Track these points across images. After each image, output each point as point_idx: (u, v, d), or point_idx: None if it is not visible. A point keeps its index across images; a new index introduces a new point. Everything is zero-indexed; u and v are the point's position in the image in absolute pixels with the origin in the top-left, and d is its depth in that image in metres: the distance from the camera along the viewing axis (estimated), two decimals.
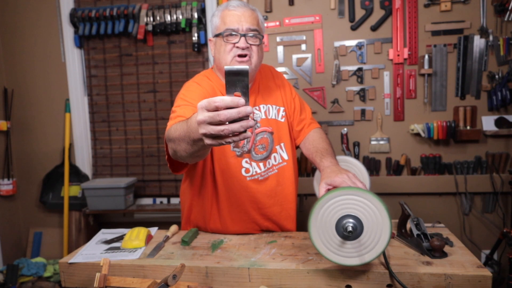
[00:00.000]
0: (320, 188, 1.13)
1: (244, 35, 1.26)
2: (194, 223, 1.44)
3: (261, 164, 1.35)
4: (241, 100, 0.72)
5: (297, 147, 1.49)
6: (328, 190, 1.09)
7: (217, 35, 1.30)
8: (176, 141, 1.00)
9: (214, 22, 1.31)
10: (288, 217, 1.41)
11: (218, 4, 2.43)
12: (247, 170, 1.33)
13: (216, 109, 0.74)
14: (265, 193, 1.35)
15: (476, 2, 2.22)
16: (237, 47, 1.26)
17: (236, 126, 0.74)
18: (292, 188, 1.41)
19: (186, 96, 1.27)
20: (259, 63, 1.33)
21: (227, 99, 0.72)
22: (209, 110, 0.75)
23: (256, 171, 1.34)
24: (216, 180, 1.34)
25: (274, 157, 1.37)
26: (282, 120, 1.41)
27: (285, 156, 1.39)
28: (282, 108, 1.42)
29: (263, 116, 1.37)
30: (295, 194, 1.43)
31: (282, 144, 1.39)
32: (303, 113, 1.48)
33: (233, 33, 1.26)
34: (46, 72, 2.70)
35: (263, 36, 1.31)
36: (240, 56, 1.26)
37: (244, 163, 1.33)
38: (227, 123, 0.74)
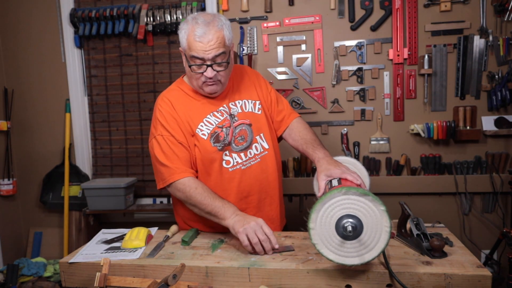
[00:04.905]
0: (319, 180, 1.19)
1: (211, 65, 1.29)
2: (183, 221, 1.48)
3: (242, 154, 1.40)
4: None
5: (281, 136, 1.55)
6: (327, 180, 1.17)
7: (185, 54, 1.33)
8: (193, 204, 1.31)
9: (181, 41, 1.32)
10: (272, 203, 1.47)
11: (218, 4, 2.43)
12: (227, 162, 1.39)
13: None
14: (249, 181, 1.41)
15: (476, 2, 2.22)
16: (205, 75, 1.31)
17: (259, 248, 1.16)
18: (275, 175, 1.47)
19: (165, 125, 1.36)
20: (227, 78, 1.39)
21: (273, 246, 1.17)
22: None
23: (237, 161, 1.40)
24: (202, 178, 1.39)
25: (256, 147, 1.43)
26: (259, 112, 1.47)
27: (266, 145, 1.45)
28: (257, 102, 1.48)
29: (240, 110, 1.44)
30: (279, 181, 1.50)
31: (261, 135, 1.45)
32: (280, 104, 1.54)
33: (201, 63, 1.29)
34: (46, 72, 2.70)
35: (230, 54, 1.34)
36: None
37: (224, 155, 1.39)
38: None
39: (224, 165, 1.38)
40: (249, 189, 1.41)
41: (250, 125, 1.43)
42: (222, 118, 1.40)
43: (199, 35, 1.26)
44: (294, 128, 1.50)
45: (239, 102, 1.45)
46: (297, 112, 1.65)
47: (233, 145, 1.39)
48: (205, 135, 1.37)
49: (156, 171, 1.39)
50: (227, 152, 1.38)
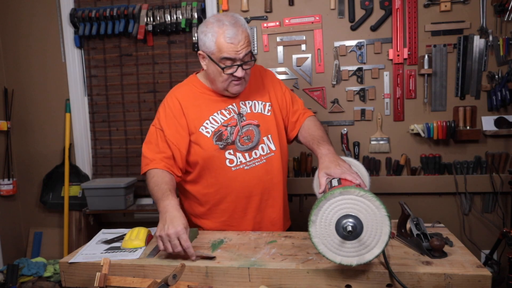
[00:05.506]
0: (320, 177, 1.20)
1: (241, 65, 1.31)
2: (188, 219, 1.49)
3: (246, 155, 1.40)
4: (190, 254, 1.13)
5: (296, 137, 1.55)
6: (328, 179, 1.17)
7: (210, 57, 1.33)
8: (149, 190, 1.34)
9: (207, 44, 1.31)
10: (275, 205, 1.47)
11: (218, 4, 2.43)
12: (231, 161, 1.39)
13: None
14: (252, 182, 1.41)
15: (476, 2, 2.22)
16: (234, 75, 1.32)
17: (170, 251, 1.14)
18: (280, 177, 1.47)
19: (161, 120, 1.42)
20: (249, 76, 1.41)
21: (187, 251, 1.13)
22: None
23: (240, 161, 1.40)
24: (203, 175, 1.42)
25: (262, 147, 1.43)
26: (268, 114, 1.47)
27: (273, 147, 1.45)
28: (268, 103, 1.48)
29: (248, 111, 1.45)
30: (284, 183, 1.50)
31: (269, 136, 1.45)
32: (295, 104, 1.56)
33: (231, 64, 1.30)
34: (46, 72, 2.70)
35: (253, 53, 1.38)
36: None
37: (227, 154, 1.39)
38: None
39: (228, 163, 1.39)
40: (251, 190, 1.41)
41: (258, 125, 1.43)
42: (228, 116, 1.41)
43: (230, 36, 1.27)
44: (305, 126, 1.51)
45: (248, 103, 1.45)
46: None
47: (238, 144, 1.40)
48: (208, 133, 1.39)
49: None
50: (231, 151, 1.39)
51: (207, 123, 1.39)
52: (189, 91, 1.45)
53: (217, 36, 1.28)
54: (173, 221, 1.15)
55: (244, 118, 1.42)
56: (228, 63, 1.30)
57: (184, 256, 1.13)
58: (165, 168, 1.36)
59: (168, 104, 1.42)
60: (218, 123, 1.40)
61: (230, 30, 1.27)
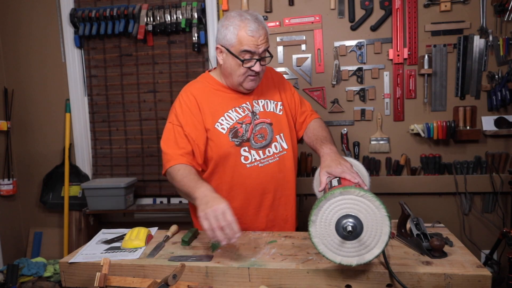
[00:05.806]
0: (321, 175, 1.22)
1: (259, 59, 1.35)
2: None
3: (260, 152, 1.42)
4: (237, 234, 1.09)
5: (302, 138, 1.57)
6: (328, 178, 1.19)
7: (229, 51, 1.35)
8: (176, 186, 1.32)
9: (228, 36, 1.34)
10: (288, 203, 1.49)
11: (218, 4, 2.43)
12: (246, 158, 1.41)
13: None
14: (266, 179, 1.43)
15: (476, 2, 2.22)
16: (252, 70, 1.35)
17: (220, 234, 1.08)
18: (293, 175, 1.49)
19: (179, 116, 1.41)
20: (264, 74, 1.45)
21: (233, 230, 1.08)
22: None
23: (255, 158, 1.42)
24: (217, 171, 1.42)
25: (275, 146, 1.45)
26: (280, 113, 1.50)
27: (285, 146, 1.47)
28: (279, 103, 1.51)
29: (261, 109, 1.47)
30: (295, 182, 1.52)
31: (281, 134, 1.47)
32: (303, 106, 1.60)
33: (250, 58, 1.33)
34: (46, 72, 2.70)
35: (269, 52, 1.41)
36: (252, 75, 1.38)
37: (243, 151, 1.41)
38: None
39: (243, 160, 1.40)
40: (264, 187, 1.43)
41: (270, 124, 1.46)
42: (243, 114, 1.43)
43: (252, 29, 1.31)
44: (310, 127, 1.55)
45: (261, 102, 1.48)
46: None
47: (253, 142, 1.42)
48: (224, 129, 1.40)
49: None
50: (246, 148, 1.40)
51: (222, 120, 1.41)
52: (203, 88, 1.46)
53: (239, 29, 1.32)
54: (215, 200, 1.13)
55: (257, 116, 1.45)
56: (248, 56, 1.33)
57: (227, 235, 1.07)
58: (186, 162, 1.36)
59: (184, 100, 1.43)
60: (233, 120, 1.41)
61: (252, 24, 1.31)
